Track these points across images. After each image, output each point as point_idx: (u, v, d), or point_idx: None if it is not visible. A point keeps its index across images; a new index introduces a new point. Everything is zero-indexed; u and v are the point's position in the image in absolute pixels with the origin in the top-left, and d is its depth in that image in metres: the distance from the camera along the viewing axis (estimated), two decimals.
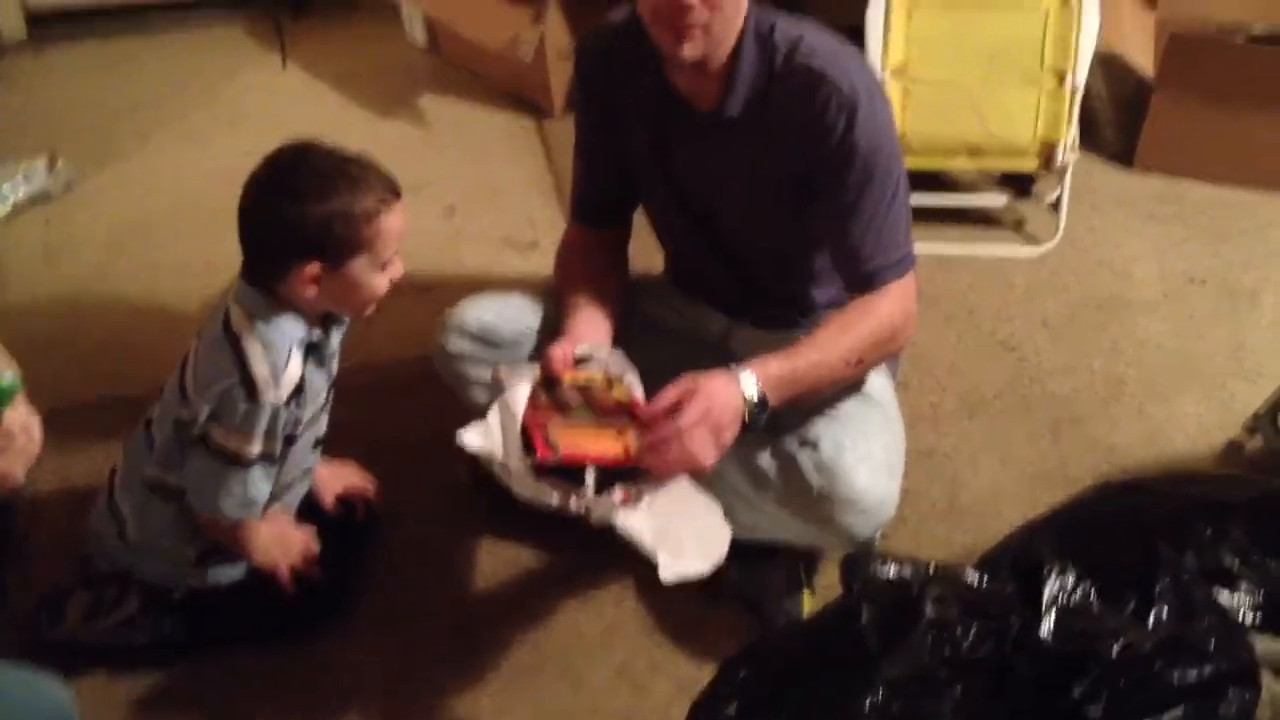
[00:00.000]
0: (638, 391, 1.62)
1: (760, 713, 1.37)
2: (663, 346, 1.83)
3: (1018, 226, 2.86)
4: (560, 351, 1.63)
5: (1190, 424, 2.25)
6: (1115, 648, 1.34)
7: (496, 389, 1.62)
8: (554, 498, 1.50)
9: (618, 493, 1.51)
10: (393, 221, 1.57)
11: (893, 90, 2.69)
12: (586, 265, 1.87)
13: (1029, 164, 2.78)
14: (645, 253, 2.03)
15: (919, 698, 1.33)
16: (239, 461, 1.59)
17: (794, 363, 1.60)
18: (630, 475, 1.53)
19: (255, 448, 1.59)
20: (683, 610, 1.89)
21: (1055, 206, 2.80)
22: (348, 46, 3.78)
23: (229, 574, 1.78)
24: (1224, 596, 1.50)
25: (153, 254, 2.78)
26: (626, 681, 1.82)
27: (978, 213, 2.89)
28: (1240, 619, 1.48)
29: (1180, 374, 2.38)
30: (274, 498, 1.72)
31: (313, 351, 1.64)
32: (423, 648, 1.86)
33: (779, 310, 1.88)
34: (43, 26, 3.80)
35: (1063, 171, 2.76)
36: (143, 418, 1.77)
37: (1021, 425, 2.25)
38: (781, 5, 1.66)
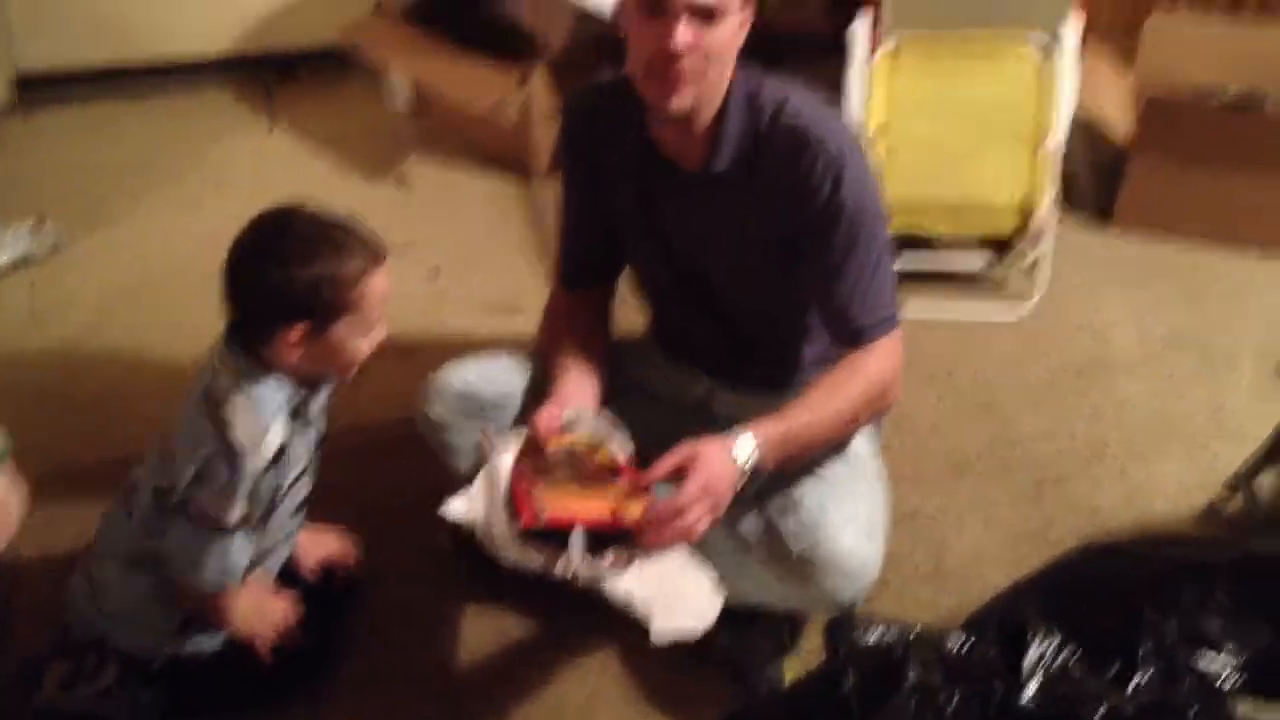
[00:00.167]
0: (627, 452, 1.63)
1: None
2: (646, 408, 1.83)
3: (997, 288, 2.88)
4: (546, 415, 1.63)
5: (1171, 485, 2.26)
6: (1098, 714, 1.34)
7: (482, 455, 1.62)
8: (539, 562, 1.49)
9: (607, 557, 1.50)
10: (378, 284, 1.57)
11: (874, 151, 2.72)
12: (572, 327, 1.87)
13: (1008, 226, 2.81)
14: (628, 315, 2.04)
15: None
16: (220, 528, 1.58)
17: (788, 424, 1.61)
18: (617, 537, 1.53)
19: (236, 514, 1.58)
20: (666, 676, 1.87)
21: (1034, 268, 2.83)
22: (334, 111, 3.82)
23: (208, 643, 1.76)
24: (1206, 660, 1.50)
25: (140, 317, 2.78)
26: None
27: (958, 274, 2.91)
28: (1222, 684, 1.48)
29: (1160, 435, 2.39)
30: (254, 563, 1.70)
31: (296, 415, 1.64)
32: (404, 711, 1.84)
33: (764, 371, 1.89)
34: (31, 90, 3.83)
35: (1042, 233, 2.78)
36: (121, 486, 1.76)
37: (1004, 487, 2.26)
38: (763, 65, 1.69)
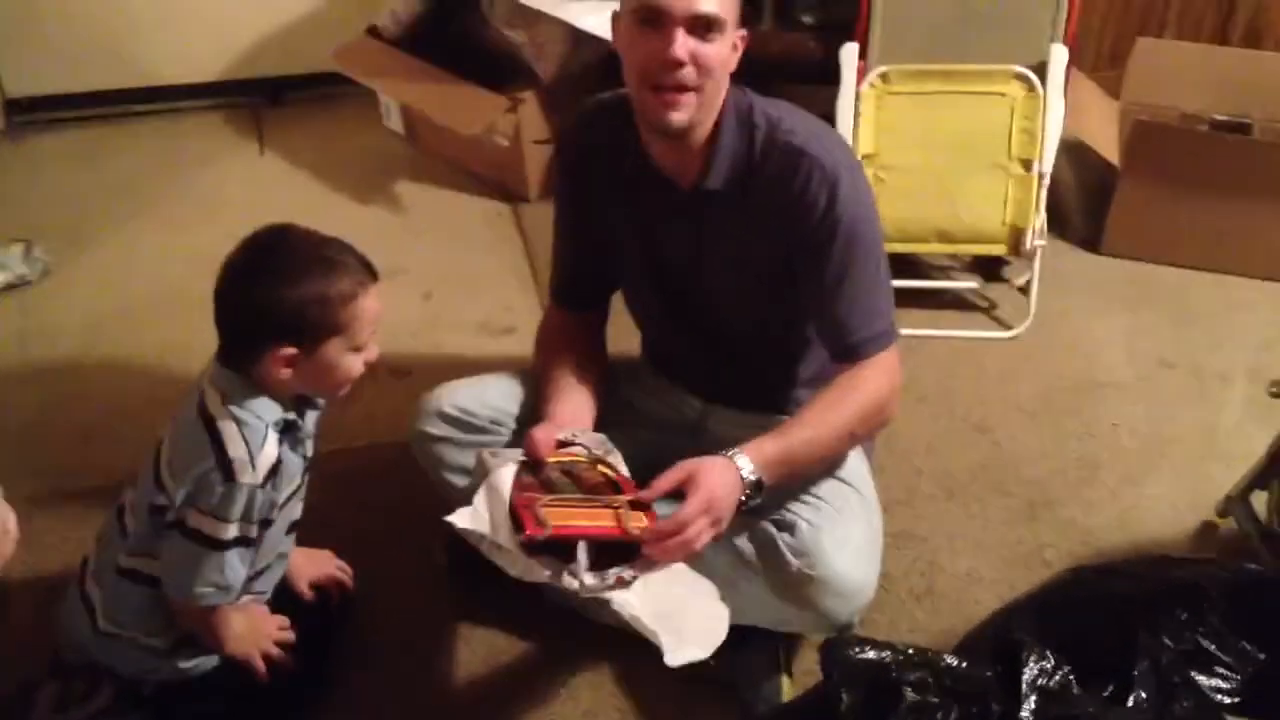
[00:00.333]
0: (623, 471, 1.63)
1: None
2: (639, 431, 1.84)
3: (989, 310, 2.89)
4: (543, 434, 1.63)
5: (1164, 506, 2.26)
6: None
7: (480, 473, 1.61)
8: (546, 574, 1.48)
9: (612, 573, 1.50)
10: (369, 305, 1.57)
11: None
12: (567, 348, 1.87)
13: (999, 249, 2.84)
14: (621, 336, 2.04)
15: None
16: (215, 545, 1.58)
17: (787, 441, 1.61)
18: (620, 549, 1.53)
19: (232, 530, 1.57)
20: (660, 695, 1.86)
21: (1025, 290, 2.84)
22: (326, 135, 3.82)
23: (201, 665, 1.75)
24: (1201, 680, 1.50)
25: (131, 341, 2.77)
26: None
27: (949, 296, 2.93)
28: (1218, 702, 1.49)
29: (1153, 456, 2.39)
30: (248, 583, 1.70)
31: (288, 433, 1.63)
32: None
33: (757, 392, 1.89)
34: (21, 114, 3.83)
35: (1032, 256, 2.80)
36: (115, 505, 1.75)
37: (997, 508, 2.26)
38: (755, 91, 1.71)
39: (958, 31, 2.84)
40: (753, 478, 1.56)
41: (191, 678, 1.75)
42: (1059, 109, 2.77)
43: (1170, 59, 3.22)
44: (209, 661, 1.75)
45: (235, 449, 1.55)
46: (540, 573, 1.48)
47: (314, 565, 1.92)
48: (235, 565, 1.61)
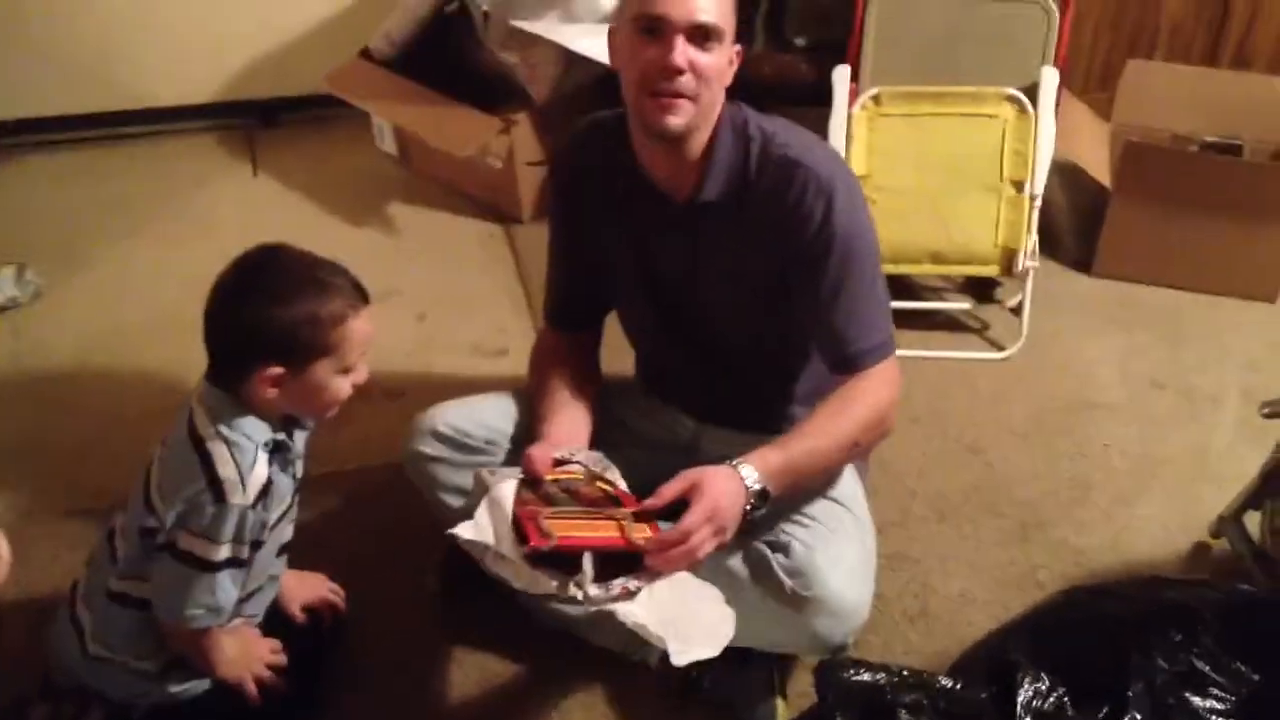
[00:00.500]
0: (621, 486, 1.63)
1: None
2: (632, 451, 1.83)
3: (981, 331, 2.90)
4: (540, 453, 1.64)
5: (1156, 527, 2.26)
6: None
7: (479, 491, 1.61)
8: (552, 585, 1.47)
9: (617, 584, 1.49)
10: (359, 327, 1.57)
11: None
12: (561, 368, 1.88)
13: (991, 270, 2.85)
14: (614, 357, 2.04)
15: None
16: (207, 566, 1.57)
17: (791, 452, 1.61)
18: (624, 561, 1.52)
19: (223, 552, 1.57)
20: (653, 717, 1.86)
21: (1018, 311, 2.85)
22: (319, 156, 3.82)
23: (192, 688, 1.74)
24: (1196, 701, 1.50)
25: (123, 363, 2.77)
26: None
27: (942, 317, 2.93)
28: None
29: (1145, 477, 2.40)
30: (239, 605, 1.69)
31: (278, 453, 1.63)
32: None
33: (753, 409, 1.89)
34: (12, 135, 3.83)
35: (1024, 277, 2.81)
36: (106, 529, 1.74)
37: (990, 529, 2.26)
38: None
39: (950, 54, 2.86)
40: (757, 486, 1.57)
41: (182, 701, 1.74)
42: (1050, 130, 2.79)
43: (1161, 81, 3.24)
44: (200, 685, 1.74)
45: (225, 470, 1.54)
46: (546, 584, 1.47)
47: (306, 588, 1.91)
48: (227, 587, 1.60)
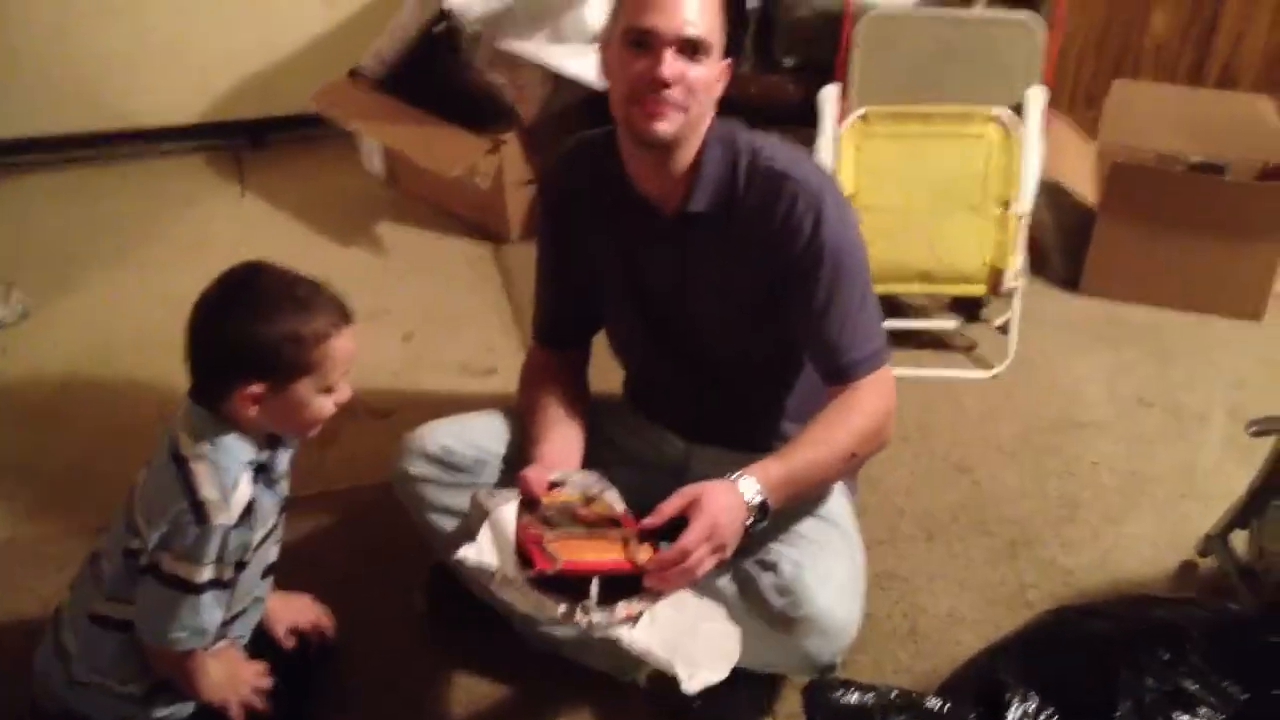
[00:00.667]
0: (619, 507, 1.62)
1: None
2: (621, 468, 1.83)
3: (969, 350, 2.90)
4: (535, 475, 1.63)
5: (1144, 545, 2.26)
6: None
7: (478, 513, 1.61)
8: (560, 610, 1.47)
9: (620, 609, 1.49)
10: (342, 345, 1.56)
11: None
12: (551, 388, 1.87)
13: (978, 289, 2.85)
14: (601, 376, 2.04)
15: None
16: (190, 588, 1.56)
17: (792, 463, 1.61)
18: (628, 583, 1.52)
19: (207, 573, 1.56)
20: None
21: (1005, 330, 2.86)
22: (307, 176, 3.83)
23: (177, 712, 1.73)
24: None
25: (111, 383, 2.76)
26: None
27: (929, 336, 2.94)
28: None
29: (1133, 495, 2.40)
30: (224, 627, 1.68)
31: (261, 472, 1.62)
32: None
33: (743, 426, 1.89)
34: (0, 155, 3.82)
35: (1011, 296, 2.82)
36: (90, 552, 1.73)
37: (978, 548, 2.25)
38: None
39: (937, 73, 2.88)
40: (757, 500, 1.57)
41: None
42: (1038, 150, 2.80)
43: (1146, 100, 3.26)
44: (185, 709, 1.73)
45: (208, 490, 1.53)
46: (552, 609, 1.47)
47: (292, 611, 1.90)
48: (211, 608, 1.59)
